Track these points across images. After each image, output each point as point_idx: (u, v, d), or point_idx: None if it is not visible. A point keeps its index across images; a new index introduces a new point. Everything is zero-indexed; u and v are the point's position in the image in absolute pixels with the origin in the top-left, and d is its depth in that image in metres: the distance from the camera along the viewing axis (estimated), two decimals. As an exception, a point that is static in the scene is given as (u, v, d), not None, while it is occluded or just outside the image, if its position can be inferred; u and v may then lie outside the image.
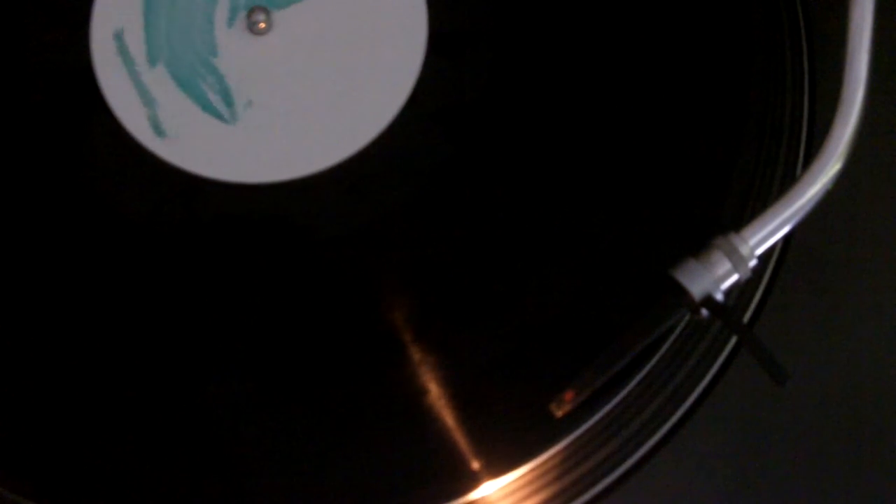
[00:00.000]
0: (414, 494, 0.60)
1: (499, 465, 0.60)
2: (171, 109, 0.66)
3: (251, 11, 0.66)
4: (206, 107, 0.66)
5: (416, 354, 0.61)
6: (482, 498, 0.61)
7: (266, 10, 0.66)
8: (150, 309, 0.63)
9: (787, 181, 0.65)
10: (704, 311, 0.58)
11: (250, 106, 0.66)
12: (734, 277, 0.58)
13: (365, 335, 0.62)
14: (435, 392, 0.61)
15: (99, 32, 0.67)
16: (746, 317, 0.65)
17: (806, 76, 0.68)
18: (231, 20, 0.67)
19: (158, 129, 0.65)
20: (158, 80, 0.66)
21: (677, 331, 0.62)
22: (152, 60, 0.66)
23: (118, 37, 0.66)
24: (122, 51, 0.66)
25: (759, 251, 0.58)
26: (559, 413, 0.58)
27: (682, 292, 0.58)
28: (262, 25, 0.66)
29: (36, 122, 0.66)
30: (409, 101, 0.65)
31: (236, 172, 0.64)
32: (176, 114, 0.66)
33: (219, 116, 0.65)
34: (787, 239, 0.65)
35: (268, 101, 0.66)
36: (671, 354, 0.63)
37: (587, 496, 0.64)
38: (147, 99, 0.66)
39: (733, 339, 0.64)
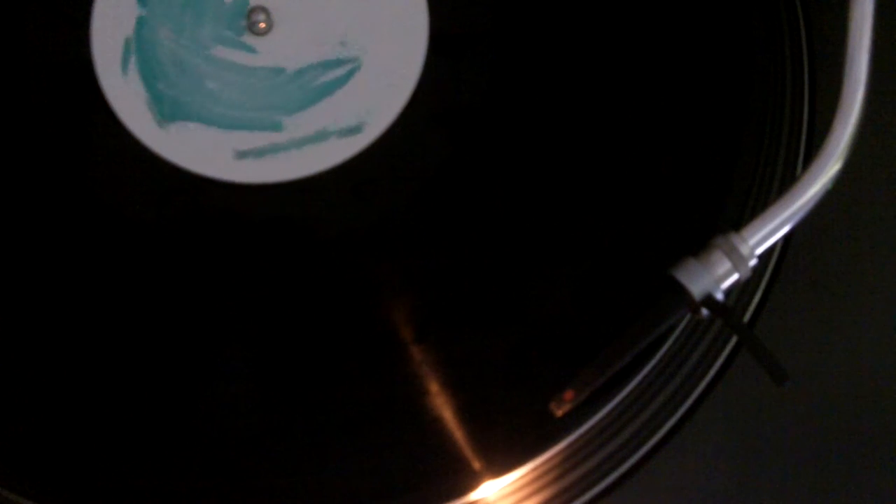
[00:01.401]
0: (414, 494, 0.60)
1: (499, 465, 0.60)
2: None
3: (251, 11, 0.66)
4: None
5: (416, 355, 0.61)
6: (482, 498, 0.61)
7: (265, 10, 0.66)
8: (150, 309, 0.63)
9: (787, 181, 0.65)
10: (704, 311, 0.58)
11: None
12: (734, 277, 0.58)
13: (366, 335, 0.62)
14: (435, 392, 0.61)
15: (99, 30, 0.67)
16: (746, 317, 0.65)
17: (806, 76, 0.68)
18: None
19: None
20: None
21: (677, 331, 0.62)
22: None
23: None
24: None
25: (759, 251, 0.58)
26: (559, 412, 0.58)
27: (682, 292, 0.58)
28: (263, 25, 0.66)
29: (37, 120, 0.66)
30: (410, 102, 0.65)
31: (237, 172, 0.64)
32: None
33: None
34: (787, 239, 0.65)
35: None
36: (671, 354, 0.63)
37: (587, 496, 0.64)
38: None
39: (733, 340, 0.64)
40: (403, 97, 0.65)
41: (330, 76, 0.66)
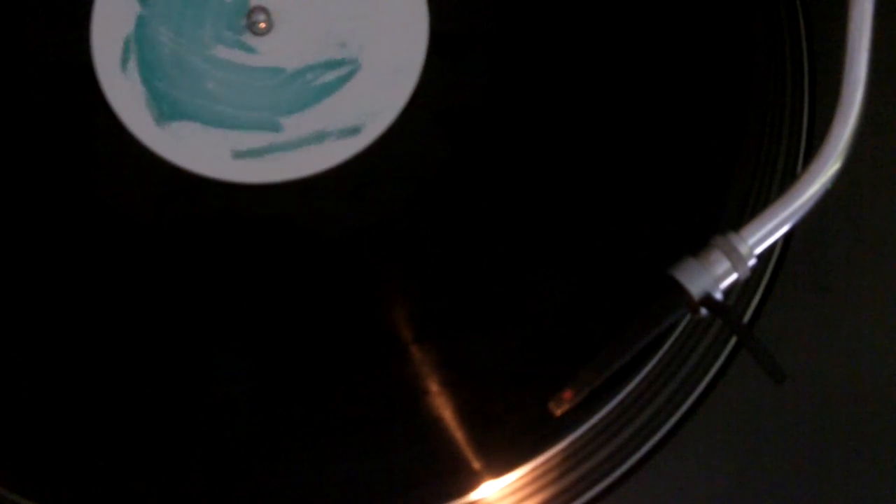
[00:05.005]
0: (414, 494, 0.60)
1: (499, 465, 0.60)
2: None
3: (251, 11, 0.66)
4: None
5: (416, 354, 0.61)
6: (482, 498, 0.61)
7: (266, 10, 0.66)
8: (150, 309, 0.63)
9: (787, 181, 0.65)
10: (704, 311, 0.58)
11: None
12: (733, 277, 0.58)
13: (366, 335, 0.62)
14: (435, 392, 0.61)
15: (99, 30, 0.67)
16: (746, 317, 0.65)
17: (806, 76, 0.68)
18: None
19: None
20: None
21: (677, 331, 0.62)
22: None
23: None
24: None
25: (758, 250, 0.58)
26: (558, 412, 0.58)
27: (681, 291, 0.58)
28: (263, 25, 0.66)
29: (37, 121, 0.66)
30: (409, 102, 0.65)
31: (237, 172, 0.64)
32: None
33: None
34: (787, 239, 0.65)
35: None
36: (671, 354, 0.63)
37: (587, 496, 0.64)
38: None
39: (733, 340, 0.64)
40: (403, 97, 0.65)
41: (329, 77, 0.66)
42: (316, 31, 0.66)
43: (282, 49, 0.66)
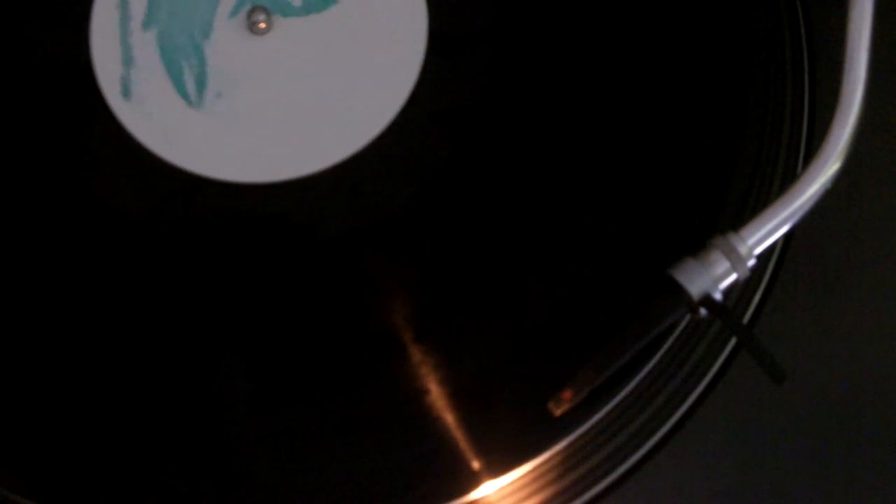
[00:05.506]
0: (414, 494, 0.60)
1: (499, 465, 0.60)
2: (146, 76, 0.66)
3: (252, 11, 0.66)
4: (178, 85, 0.66)
5: (416, 354, 0.61)
6: (482, 498, 0.61)
7: (266, 11, 0.66)
8: (149, 309, 0.63)
9: (787, 181, 0.65)
10: (703, 311, 0.58)
11: (219, 97, 0.66)
12: (732, 277, 0.58)
13: (365, 335, 0.62)
14: (435, 392, 0.61)
15: (99, 31, 0.67)
16: (746, 317, 0.65)
17: (806, 76, 0.68)
18: (233, 13, 0.67)
19: (126, 90, 0.66)
20: (145, 45, 0.67)
21: (677, 331, 0.62)
22: (146, 25, 0.67)
23: None
24: (123, 5, 0.67)
25: (758, 251, 0.58)
26: (557, 412, 0.58)
27: (680, 292, 0.58)
28: (263, 25, 0.66)
29: (35, 121, 0.66)
30: (408, 102, 0.65)
31: (236, 172, 0.64)
32: (149, 82, 0.66)
33: (186, 97, 0.66)
34: (787, 239, 0.65)
35: (261, 98, 0.66)
36: (671, 354, 0.63)
37: (587, 496, 0.64)
38: (127, 58, 0.66)
39: (733, 339, 0.64)
40: (402, 96, 0.65)
41: (188, 78, 0.67)
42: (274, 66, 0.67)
43: (238, 51, 0.67)
